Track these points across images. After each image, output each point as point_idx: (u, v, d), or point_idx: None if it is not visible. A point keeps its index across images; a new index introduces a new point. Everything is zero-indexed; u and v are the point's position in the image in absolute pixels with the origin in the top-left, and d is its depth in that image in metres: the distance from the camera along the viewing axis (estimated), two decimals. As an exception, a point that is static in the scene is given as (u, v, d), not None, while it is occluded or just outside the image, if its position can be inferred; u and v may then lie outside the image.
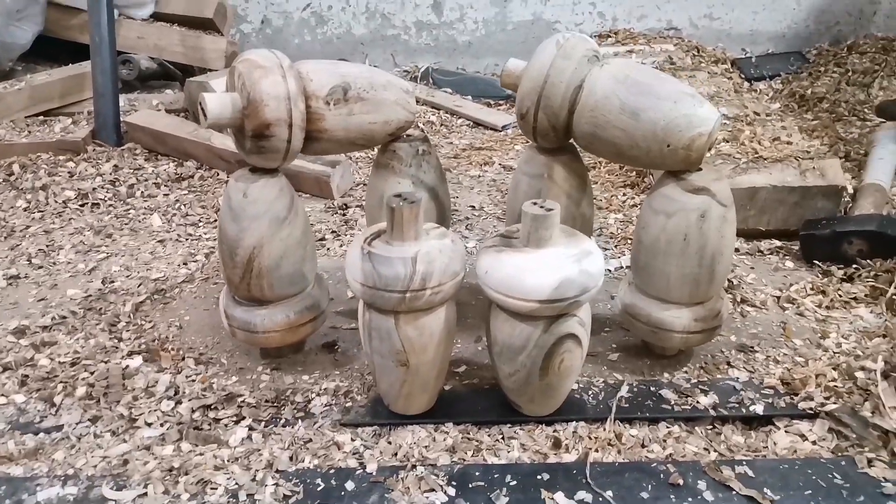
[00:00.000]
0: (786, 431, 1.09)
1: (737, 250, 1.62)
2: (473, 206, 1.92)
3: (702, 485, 0.98)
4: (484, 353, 1.27)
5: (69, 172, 2.08)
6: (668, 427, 1.10)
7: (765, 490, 0.97)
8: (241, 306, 1.18)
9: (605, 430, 1.09)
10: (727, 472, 1.00)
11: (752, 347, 1.27)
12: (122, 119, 2.29)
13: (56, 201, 1.93)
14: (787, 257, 1.60)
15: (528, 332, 0.99)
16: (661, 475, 1.00)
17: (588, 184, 1.24)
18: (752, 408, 1.12)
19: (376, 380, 1.09)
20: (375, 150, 1.28)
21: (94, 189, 1.98)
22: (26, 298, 1.49)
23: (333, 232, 1.78)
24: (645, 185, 1.94)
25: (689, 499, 0.97)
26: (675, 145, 1.04)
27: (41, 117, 2.42)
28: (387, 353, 1.02)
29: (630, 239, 1.67)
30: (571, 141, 1.20)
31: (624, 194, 1.94)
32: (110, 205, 1.93)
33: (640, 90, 1.06)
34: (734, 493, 0.97)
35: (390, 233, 1.00)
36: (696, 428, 1.10)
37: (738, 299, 1.41)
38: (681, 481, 0.99)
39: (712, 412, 1.11)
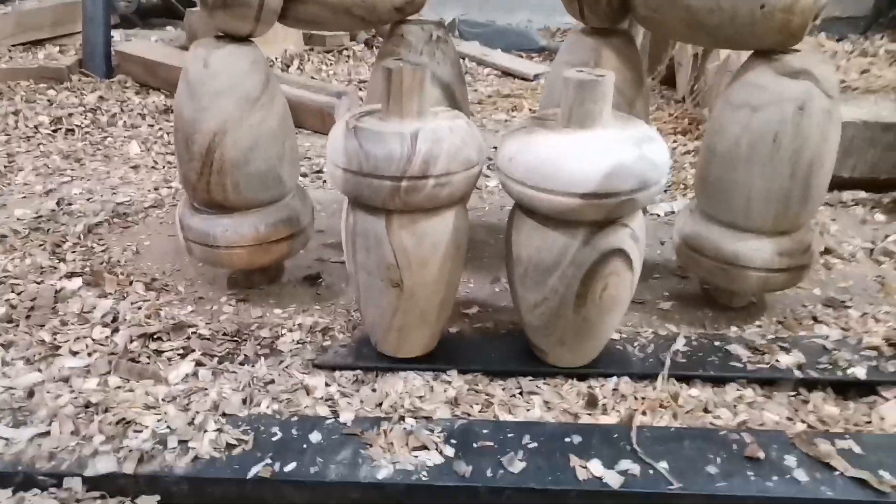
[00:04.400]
0: (897, 402, 0.82)
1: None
2: (496, 148, 1.66)
3: (790, 461, 0.73)
4: (502, 294, 1.02)
5: (48, 100, 1.87)
6: (739, 390, 0.85)
7: (880, 472, 0.70)
8: (200, 214, 0.94)
9: (655, 388, 0.83)
10: (824, 446, 0.74)
11: (844, 302, 1.01)
12: (113, 49, 2.08)
13: (27, 126, 1.71)
14: (876, 209, 1.32)
15: (564, 244, 0.74)
16: (734, 445, 0.75)
17: (644, 82, 0.99)
18: (850, 371, 0.85)
19: (362, 309, 0.85)
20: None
21: (70, 115, 1.76)
22: (-33, 217, 1.27)
23: (333, 166, 1.54)
24: (699, 133, 1.67)
25: (774, 477, 0.71)
26: (771, 5, 0.77)
27: (28, 46, 2.21)
28: (375, 268, 0.77)
29: (683, 184, 1.41)
30: (624, 27, 0.94)
31: (675, 141, 1.67)
32: (86, 132, 1.71)
33: (724, -59, 0.80)
34: (837, 473, 0.71)
35: (386, 106, 0.75)
36: (776, 393, 0.84)
37: (822, 249, 1.14)
38: (761, 454, 0.73)
39: (798, 373, 0.85)
